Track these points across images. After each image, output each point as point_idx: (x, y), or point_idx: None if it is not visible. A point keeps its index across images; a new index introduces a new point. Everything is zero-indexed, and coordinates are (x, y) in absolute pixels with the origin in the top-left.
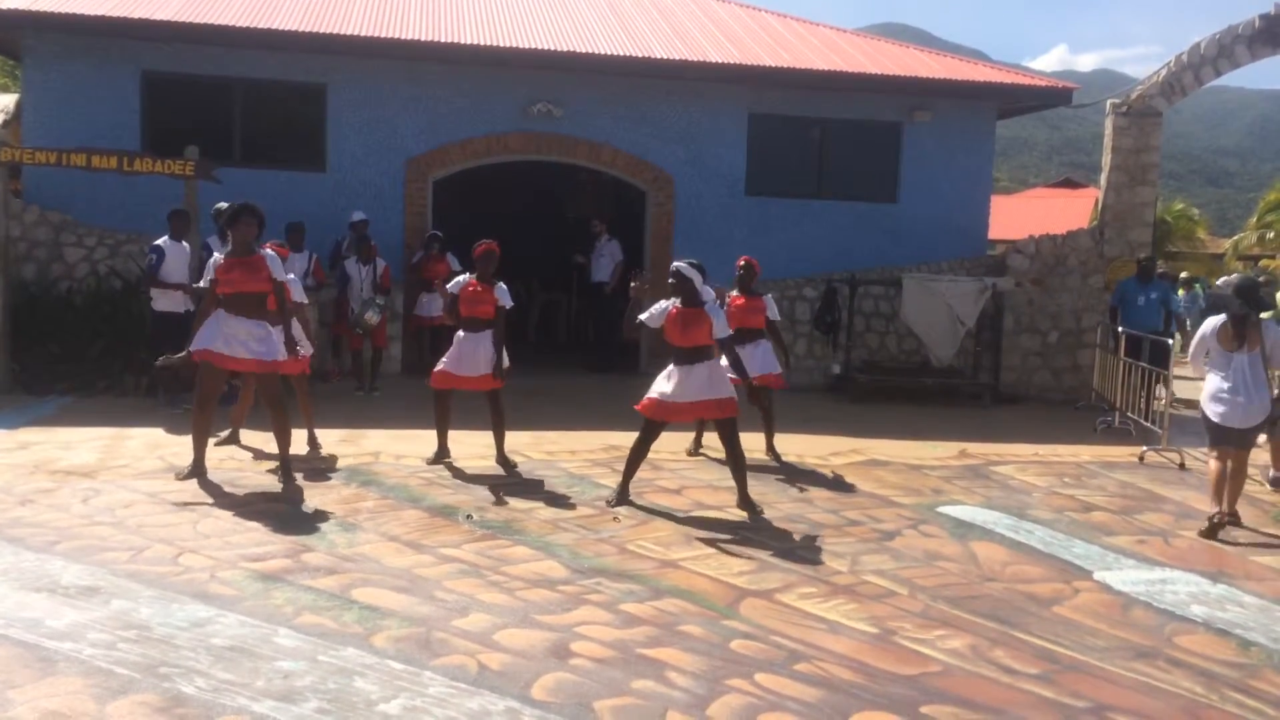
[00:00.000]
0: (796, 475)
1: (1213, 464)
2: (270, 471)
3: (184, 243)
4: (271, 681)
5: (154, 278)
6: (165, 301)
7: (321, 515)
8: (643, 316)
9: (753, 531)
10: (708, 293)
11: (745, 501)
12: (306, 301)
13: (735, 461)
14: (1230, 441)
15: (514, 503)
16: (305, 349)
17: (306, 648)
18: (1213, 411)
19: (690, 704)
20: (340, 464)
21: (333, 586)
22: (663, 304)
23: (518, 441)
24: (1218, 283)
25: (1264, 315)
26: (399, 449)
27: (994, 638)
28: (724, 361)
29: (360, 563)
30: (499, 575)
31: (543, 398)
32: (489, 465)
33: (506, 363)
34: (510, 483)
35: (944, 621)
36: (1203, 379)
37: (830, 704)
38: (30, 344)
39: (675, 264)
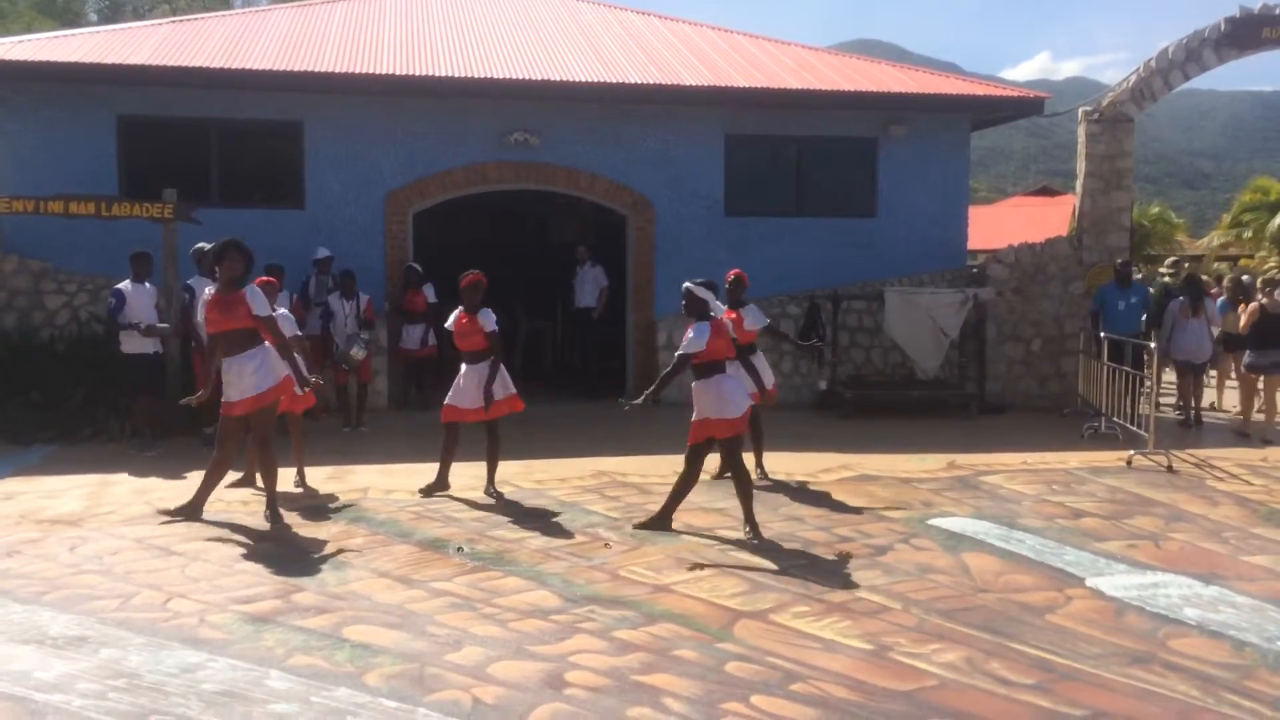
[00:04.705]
0: (787, 493)
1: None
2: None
3: (147, 285)
4: None
5: (114, 320)
6: (132, 343)
7: (311, 553)
8: (683, 350)
9: (745, 552)
10: (718, 308)
11: (750, 522)
12: (300, 334)
13: (739, 481)
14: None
15: (505, 533)
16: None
17: (299, 689)
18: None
19: None
20: (329, 501)
21: (324, 626)
22: (697, 326)
23: (507, 470)
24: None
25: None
26: (388, 484)
27: (989, 649)
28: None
29: (351, 600)
30: (491, 607)
31: (531, 426)
32: (478, 496)
33: (499, 394)
34: (501, 513)
35: (938, 635)
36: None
37: None
38: (13, 393)
39: (685, 284)
